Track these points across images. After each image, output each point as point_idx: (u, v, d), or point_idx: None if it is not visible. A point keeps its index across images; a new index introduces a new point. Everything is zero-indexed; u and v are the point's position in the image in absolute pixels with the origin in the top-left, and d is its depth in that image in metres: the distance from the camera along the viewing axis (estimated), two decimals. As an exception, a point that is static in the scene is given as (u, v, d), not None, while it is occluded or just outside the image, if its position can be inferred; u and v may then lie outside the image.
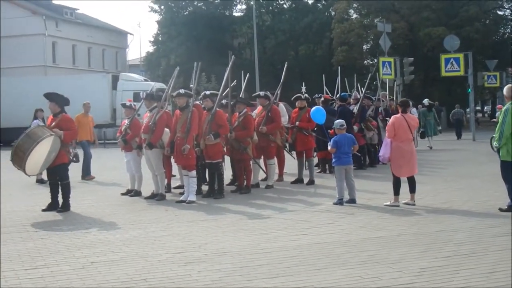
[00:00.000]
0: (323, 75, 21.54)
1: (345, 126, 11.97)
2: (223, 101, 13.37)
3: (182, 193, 12.63)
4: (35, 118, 16.63)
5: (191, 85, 14.09)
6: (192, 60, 15.83)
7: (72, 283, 6.60)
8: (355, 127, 17.18)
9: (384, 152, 11.37)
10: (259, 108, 14.76)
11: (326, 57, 53.57)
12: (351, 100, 18.52)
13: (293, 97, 15.66)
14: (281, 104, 15.27)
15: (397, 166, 11.25)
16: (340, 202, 11.43)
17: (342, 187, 11.58)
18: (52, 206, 11.57)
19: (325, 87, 20.93)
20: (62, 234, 9.28)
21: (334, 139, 11.77)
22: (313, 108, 13.92)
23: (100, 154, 27.61)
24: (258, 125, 13.99)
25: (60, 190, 11.64)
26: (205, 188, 13.29)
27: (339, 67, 23.37)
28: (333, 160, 11.89)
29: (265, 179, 14.48)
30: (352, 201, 11.50)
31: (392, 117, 11.81)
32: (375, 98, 19.80)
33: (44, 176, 15.76)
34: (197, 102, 13.18)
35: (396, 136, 11.17)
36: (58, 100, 11.74)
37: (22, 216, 11.02)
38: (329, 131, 15.66)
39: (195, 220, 10.17)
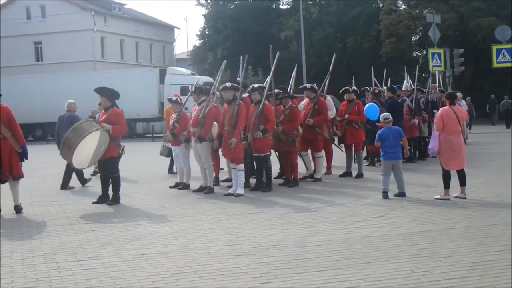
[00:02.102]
0: (372, 68, 21.26)
1: (391, 119, 11.80)
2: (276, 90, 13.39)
3: (230, 186, 12.68)
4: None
5: (238, 78, 14.11)
6: (238, 53, 15.86)
7: (123, 275, 6.67)
8: (416, 120, 17.06)
9: (433, 145, 11.20)
10: (306, 100, 14.69)
11: (374, 49, 53.02)
12: (402, 92, 18.34)
13: (341, 90, 15.56)
14: (329, 97, 15.16)
15: (446, 159, 11.07)
16: (384, 195, 11.33)
17: (385, 180, 11.43)
18: (103, 199, 11.74)
19: (374, 79, 20.61)
20: (113, 227, 9.40)
21: (378, 132, 11.66)
22: (367, 105, 13.84)
23: (149, 147, 27.97)
24: (305, 117, 13.94)
25: (110, 183, 11.82)
26: (253, 181, 13.29)
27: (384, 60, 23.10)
28: (381, 153, 11.78)
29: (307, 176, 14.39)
30: (401, 194, 11.37)
31: (440, 109, 11.63)
32: (425, 90, 19.57)
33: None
34: (245, 95, 13.19)
35: (445, 128, 10.98)
36: (108, 95, 11.87)
37: (74, 209, 11.21)
38: (377, 124, 15.56)
39: (244, 213, 10.20)
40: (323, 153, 14.55)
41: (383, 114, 12.06)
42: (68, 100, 15.08)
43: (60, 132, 13.94)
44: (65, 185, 14.36)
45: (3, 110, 10.58)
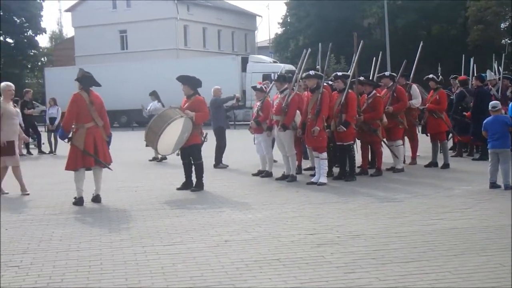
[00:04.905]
0: (463, 56, 20.54)
1: (499, 107, 11.42)
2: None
3: (312, 175, 12.62)
4: None
5: (317, 66, 14.01)
6: (321, 41, 15.73)
7: (207, 260, 6.74)
8: (502, 111, 16.56)
9: None
10: (383, 90, 14.33)
11: (460, 37, 51.65)
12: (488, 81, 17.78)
13: (425, 78, 15.19)
14: (414, 86, 14.85)
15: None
16: (491, 185, 11.03)
17: (491, 170, 11.12)
18: (186, 185, 11.90)
19: (473, 66, 19.69)
20: (197, 213, 9.52)
21: (485, 121, 11.38)
22: None
23: (231, 135, 28.18)
24: (384, 106, 13.65)
25: (193, 170, 11.95)
26: (336, 170, 13.18)
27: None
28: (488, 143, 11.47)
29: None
30: (506, 186, 10.89)
31: None
32: (513, 79, 18.87)
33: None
34: (326, 84, 13.03)
35: None
36: (190, 83, 11.98)
37: (159, 195, 11.40)
38: (464, 113, 15.15)
39: (327, 202, 10.13)
40: (401, 141, 14.19)
41: (491, 102, 11.66)
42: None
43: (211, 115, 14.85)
44: (217, 164, 15.36)
45: (97, 99, 10.72)
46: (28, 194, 11.66)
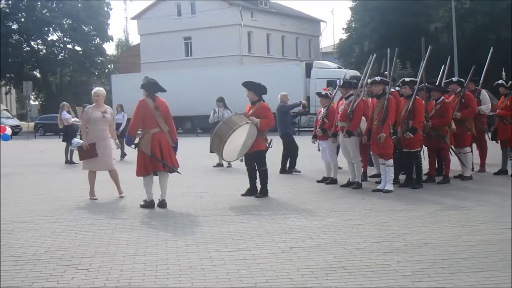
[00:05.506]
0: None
1: None
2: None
3: (378, 182, 12.47)
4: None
5: (385, 72, 13.84)
6: (386, 46, 15.58)
7: (272, 267, 6.73)
8: None
9: None
10: (451, 96, 14.07)
11: (530, 41, 50.22)
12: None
13: (494, 84, 14.85)
14: (483, 91, 14.53)
15: None
16: None
17: None
18: (251, 192, 11.92)
19: None
20: (262, 219, 9.52)
21: None
22: None
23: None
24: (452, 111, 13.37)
25: (258, 176, 11.97)
26: (402, 177, 12.97)
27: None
28: None
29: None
30: None
31: None
32: None
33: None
34: (394, 90, 12.88)
35: None
36: (256, 89, 12.01)
37: (223, 200, 11.46)
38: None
39: (393, 210, 9.99)
40: (469, 148, 13.87)
41: None
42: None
43: (277, 121, 15.19)
44: (292, 167, 15.71)
45: (162, 105, 10.91)
46: (96, 199, 11.90)
